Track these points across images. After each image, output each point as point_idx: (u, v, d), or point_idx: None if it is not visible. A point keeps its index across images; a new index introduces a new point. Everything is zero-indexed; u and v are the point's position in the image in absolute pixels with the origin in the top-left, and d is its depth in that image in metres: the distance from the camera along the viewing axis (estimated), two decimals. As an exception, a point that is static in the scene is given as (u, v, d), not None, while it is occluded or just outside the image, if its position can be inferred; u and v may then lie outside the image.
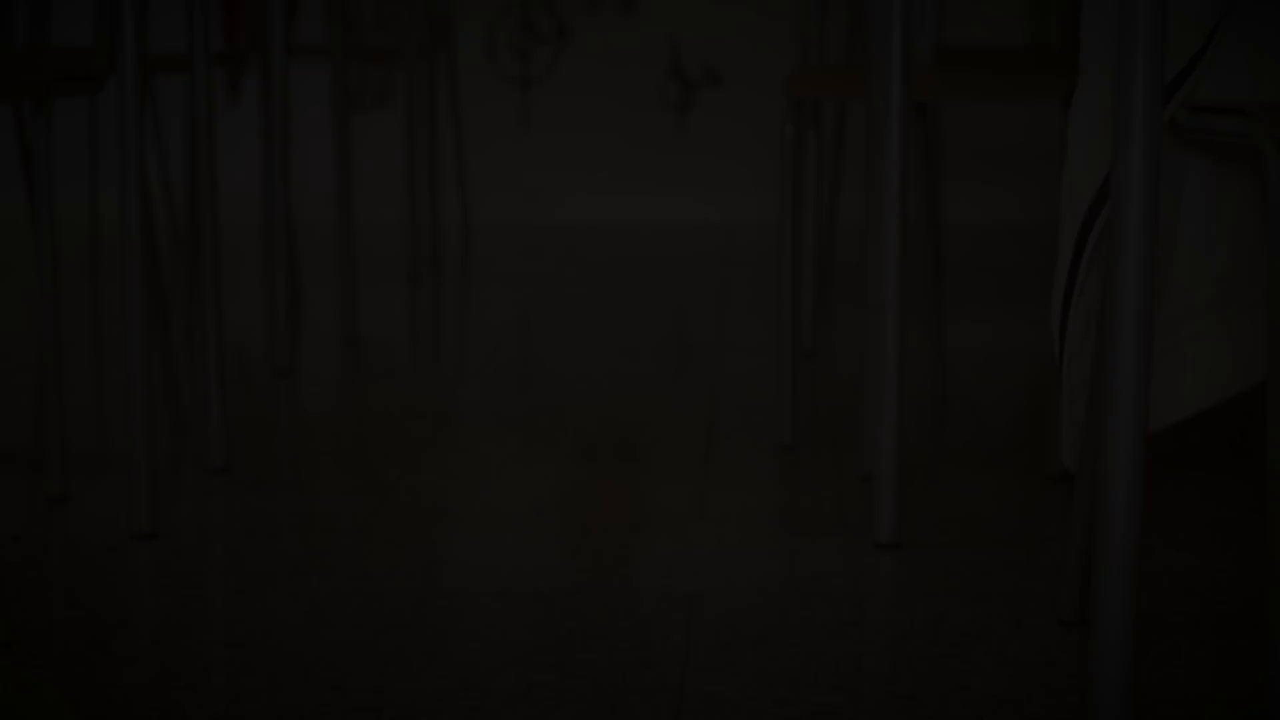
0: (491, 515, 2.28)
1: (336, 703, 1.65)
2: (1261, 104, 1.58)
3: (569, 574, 2.04)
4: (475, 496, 2.37)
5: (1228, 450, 2.61)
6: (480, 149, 5.28)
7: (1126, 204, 1.43)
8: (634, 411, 2.87)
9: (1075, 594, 1.85)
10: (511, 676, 1.72)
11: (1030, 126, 4.65)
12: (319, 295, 3.95)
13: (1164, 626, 1.86)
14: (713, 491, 2.38)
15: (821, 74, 2.76)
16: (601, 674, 1.73)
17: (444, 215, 4.92)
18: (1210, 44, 1.69)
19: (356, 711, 1.63)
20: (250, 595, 1.96)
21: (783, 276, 2.61)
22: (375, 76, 5.36)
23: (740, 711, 1.63)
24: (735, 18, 5.27)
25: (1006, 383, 3.11)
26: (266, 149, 3.21)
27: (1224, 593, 1.97)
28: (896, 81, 2.12)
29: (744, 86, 5.29)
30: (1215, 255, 1.81)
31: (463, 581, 2.01)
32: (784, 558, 2.10)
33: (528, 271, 4.45)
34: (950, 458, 2.58)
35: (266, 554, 2.10)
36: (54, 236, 2.27)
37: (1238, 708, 1.65)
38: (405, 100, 4.39)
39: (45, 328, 2.27)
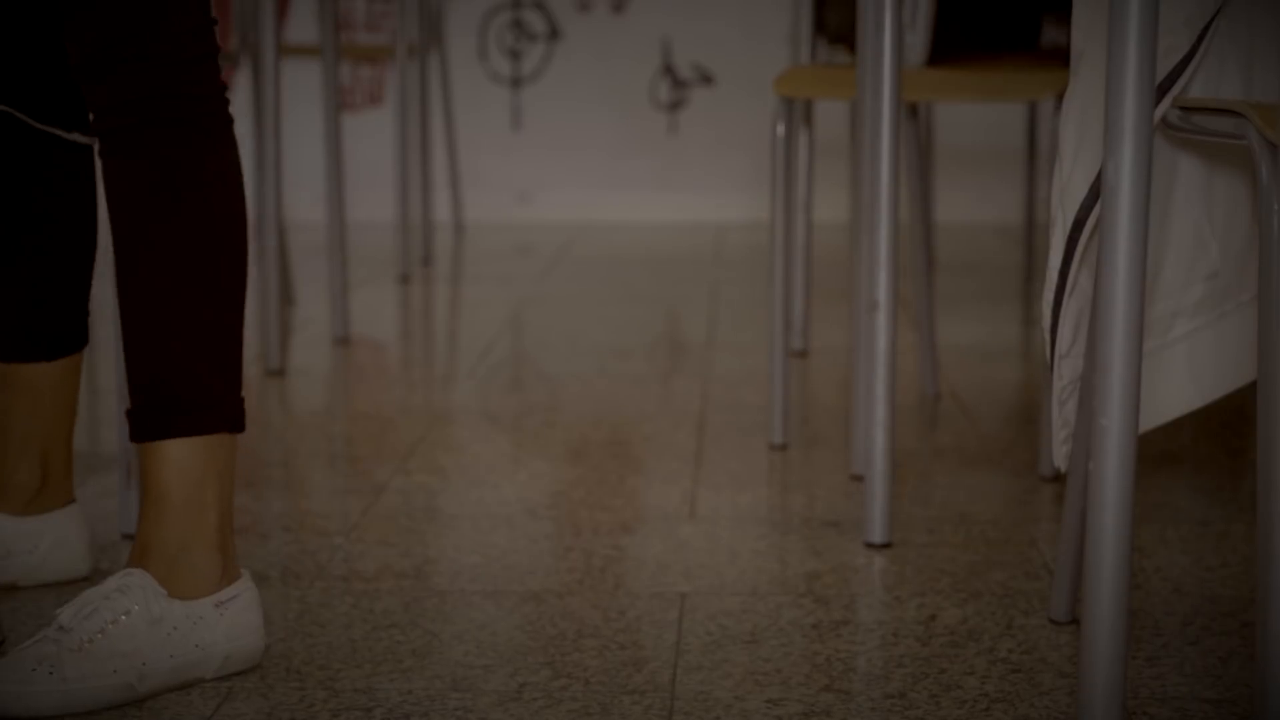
0: (483, 515, 2.28)
1: (327, 702, 1.65)
2: (1251, 103, 1.58)
3: (560, 573, 2.04)
4: (466, 496, 2.37)
5: (1218, 450, 2.61)
6: (471, 148, 5.28)
7: (1117, 203, 1.43)
8: (625, 411, 2.87)
9: (1066, 593, 1.85)
10: (503, 676, 1.72)
11: (1023, 126, 4.66)
12: (310, 295, 3.95)
13: (1154, 626, 1.86)
14: (704, 491, 2.38)
15: (810, 74, 2.76)
16: (593, 674, 1.72)
17: (435, 214, 4.92)
18: (1201, 43, 1.69)
19: (347, 711, 1.63)
20: (241, 595, 1.96)
21: (774, 276, 2.61)
22: (367, 76, 5.36)
23: (731, 711, 1.63)
24: (727, 17, 5.27)
25: (997, 382, 3.11)
26: (258, 148, 3.21)
27: (1214, 592, 1.97)
28: (888, 81, 2.12)
29: (736, 86, 5.29)
30: (1206, 254, 1.82)
31: (454, 581, 2.01)
32: (775, 557, 2.11)
33: (519, 271, 4.45)
34: (941, 457, 2.58)
35: (258, 553, 2.10)
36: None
37: (1227, 707, 1.65)
38: (397, 100, 4.39)
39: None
